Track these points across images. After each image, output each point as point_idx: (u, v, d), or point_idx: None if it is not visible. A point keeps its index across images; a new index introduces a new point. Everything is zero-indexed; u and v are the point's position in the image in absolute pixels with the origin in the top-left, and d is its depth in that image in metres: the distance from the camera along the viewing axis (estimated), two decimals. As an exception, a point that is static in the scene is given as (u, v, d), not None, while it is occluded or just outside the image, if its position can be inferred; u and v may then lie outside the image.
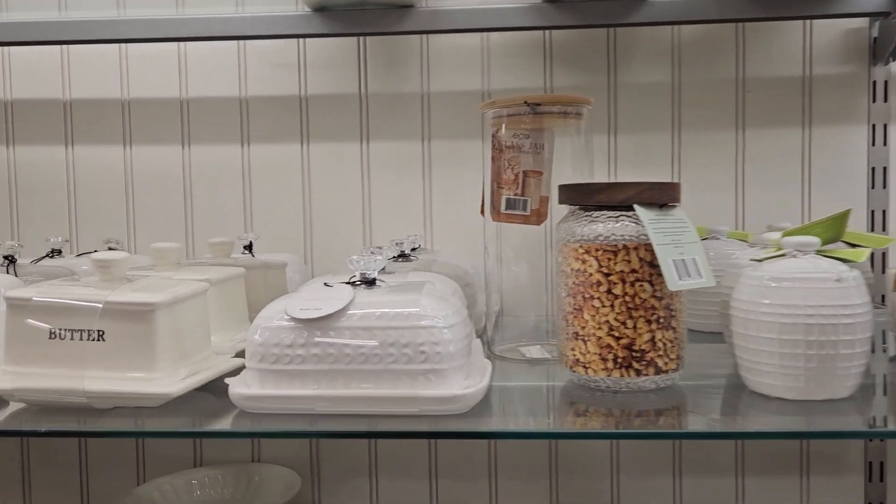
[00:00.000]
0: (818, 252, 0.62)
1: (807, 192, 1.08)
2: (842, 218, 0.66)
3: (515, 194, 0.85)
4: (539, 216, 0.85)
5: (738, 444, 1.10)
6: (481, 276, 1.10)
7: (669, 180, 0.62)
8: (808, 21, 1.06)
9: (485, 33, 1.09)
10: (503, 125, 0.82)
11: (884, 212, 1.07)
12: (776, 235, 0.70)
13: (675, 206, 0.64)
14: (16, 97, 1.16)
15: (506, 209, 0.85)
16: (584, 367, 0.64)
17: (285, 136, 1.13)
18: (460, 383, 0.58)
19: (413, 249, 0.95)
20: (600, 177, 1.07)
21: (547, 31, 1.08)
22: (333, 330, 0.58)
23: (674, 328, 0.63)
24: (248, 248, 1.00)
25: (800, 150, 1.08)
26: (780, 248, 0.64)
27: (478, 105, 1.09)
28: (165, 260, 0.77)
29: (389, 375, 0.57)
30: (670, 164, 1.09)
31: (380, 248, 0.73)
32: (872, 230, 1.07)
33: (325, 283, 0.64)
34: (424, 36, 1.10)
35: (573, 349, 0.64)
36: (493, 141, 0.84)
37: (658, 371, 0.63)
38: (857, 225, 1.06)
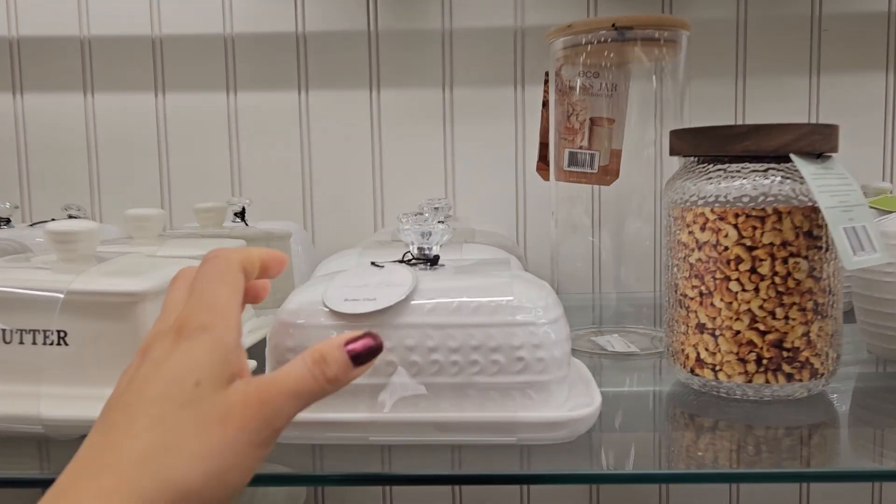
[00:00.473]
0: None
1: (890, 146, 0.93)
2: None
3: (581, 147, 0.68)
4: (608, 174, 0.69)
5: None
6: (520, 248, 0.94)
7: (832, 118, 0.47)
8: (898, -54, 0.91)
9: (520, -43, 0.92)
10: (572, 59, 0.65)
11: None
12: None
13: (831, 157, 0.49)
14: (-51, 33, 0.96)
15: (569, 165, 0.69)
16: (713, 369, 0.48)
17: (279, 82, 0.95)
18: (565, 401, 0.42)
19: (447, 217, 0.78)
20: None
21: (593, -44, 0.91)
22: (393, 329, 0.41)
23: (834, 318, 0.48)
24: (241, 214, 0.83)
25: (882, 100, 0.93)
26: None
27: (517, 57, 0.92)
28: (145, 231, 0.60)
29: (474, 392, 0.41)
30: (733, 115, 0.93)
31: (420, 213, 0.56)
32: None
33: (374, 263, 0.47)
34: (448, -41, 0.92)
35: (696, 345, 0.49)
36: (556, 79, 0.67)
37: (814, 374, 0.47)
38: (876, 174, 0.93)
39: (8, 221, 0.84)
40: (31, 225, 0.86)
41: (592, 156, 0.69)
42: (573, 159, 0.69)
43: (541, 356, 0.41)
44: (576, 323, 0.69)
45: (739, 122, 0.93)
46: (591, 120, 0.68)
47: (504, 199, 0.95)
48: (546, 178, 0.71)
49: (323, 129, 0.95)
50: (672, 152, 0.52)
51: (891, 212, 0.71)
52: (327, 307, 0.42)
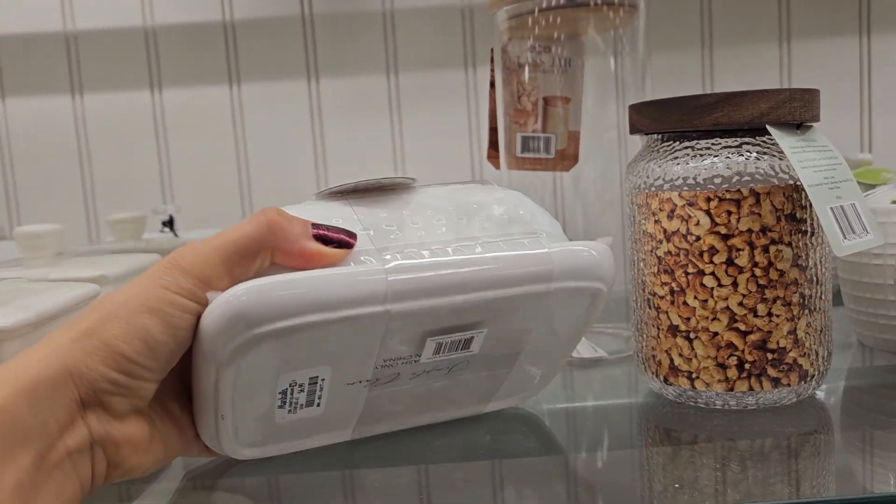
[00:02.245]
0: None
1: (867, 115, 0.88)
2: None
3: (534, 130, 0.62)
4: (566, 158, 0.62)
5: None
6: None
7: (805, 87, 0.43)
8: None
9: (462, -72, 0.84)
10: (519, 32, 0.58)
11: (955, 136, 0.88)
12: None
13: (813, 128, 0.42)
14: None
15: (522, 151, 0.62)
16: (690, 377, 0.42)
17: (208, 76, 0.87)
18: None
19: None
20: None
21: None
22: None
23: (823, 311, 0.42)
24: (169, 223, 0.75)
25: (857, 66, 0.87)
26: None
27: (466, 36, 0.86)
28: (39, 250, 0.52)
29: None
30: (700, 88, 0.87)
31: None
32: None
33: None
34: (384, -67, 0.85)
35: (669, 351, 0.43)
36: (502, 57, 0.60)
37: (803, 377, 0.41)
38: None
39: None
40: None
41: (548, 139, 0.62)
42: (526, 144, 0.62)
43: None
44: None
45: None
46: (545, 100, 0.62)
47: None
48: (497, 166, 0.64)
49: (259, 124, 0.88)
50: (632, 130, 0.45)
51: (874, 185, 0.66)
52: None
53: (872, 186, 0.65)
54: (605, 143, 0.63)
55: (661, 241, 0.42)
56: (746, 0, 0.86)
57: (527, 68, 0.61)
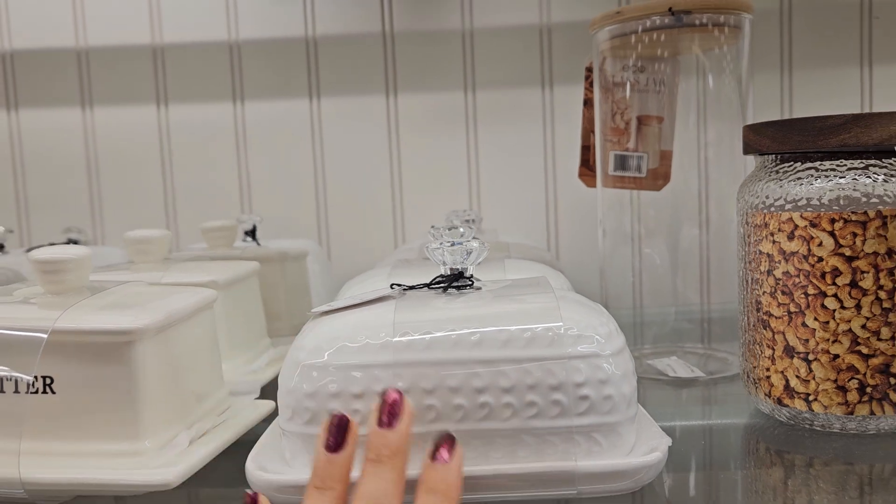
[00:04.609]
0: None
1: None
2: None
3: (627, 149, 0.62)
4: (659, 178, 0.62)
5: None
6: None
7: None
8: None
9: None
10: (618, 51, 0.58)
11: None
12: None
13: (938, 150, 0.42)
14: (-61, 48, 0.90)
15: (615, 169, 0.62)
16: (807, 399, 0.41)
17: (289, 89, 0.89)
18: (634, 444, 0.36)
19: (478, 231, 0.72)
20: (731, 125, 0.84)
21: (624, -55, 0.85)
22: (433, 367, 0.35)
23: (947, 337, 0.41)
24: (251, 233, 0.77)
25: (858, 89, 0.86)
26: None
27: (543, 56, 0.86)
28: (148, 254, 0.54)
29: (531, 438, 0.35)
30: (779, 109, 0.86)
31: (453, 227, 0.50)
32: None
33: (396, 284, 0.41)
34: (468, -47, 0.86)
35: (784, 372, 0.42)
36: (599, 75, 0.60)
37: (926, 405, 0.40)
38: None
39: (1, 247, 0.78)
40: (27, 250, 0.80)
41: (640, 158, 0.62)
42: (620, 163, 0.62)
43: (609, 393, 0.35)
44: (629, 344, 0.62)
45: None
46: (639, 119, 0.62)
47: (534, 210, 0.88)
48: (590, 184, 0.64)
49: (337, 138, 0.89)
50: (747, 150, 0.45)
51: None
52: (354, 342, 0.35)
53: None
54: (698, 162, 0.63)
55: (779, 262, 0.42)
56: (827, 24, 0.86)
57: (623, 87, 0.61)
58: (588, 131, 0.64)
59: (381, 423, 0.32)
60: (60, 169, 0.91)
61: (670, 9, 0.52)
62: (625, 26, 0.55)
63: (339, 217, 0.90)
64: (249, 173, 0.90)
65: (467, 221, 0.65)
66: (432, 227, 0.65)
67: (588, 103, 0.63)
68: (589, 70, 0.64)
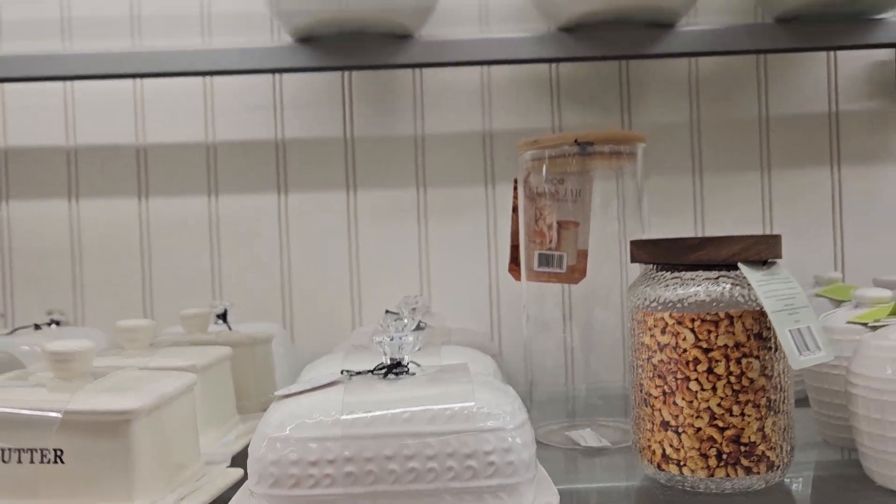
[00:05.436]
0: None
1: (839, 235, 0.99)
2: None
3: (549, 249, 0.73)
4: (576, 272, 0.73)
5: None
6: (495, 343, 0.97)
7: (769, 232, 0.52)
8: (832, 53, 0.99)
9: (485, 67, 0.98)
10: (539, 168, 0.70)
11: (920, 256, 0.99)
12: (876, 292, 0.60)
13: (776, 263, 0.53)
14: (-62, 145, 1.00)
15: (539, 266, 0.73)
16: (678, 464, 0.51)
17: (259, 186, 0.99)
18: (533, 500, 0.45)
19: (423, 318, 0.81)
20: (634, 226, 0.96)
21: (553, 66, 0.98)
22: (373, 440, 0.44)
23: (786, 412, 0.52)
24: (223, 316, 0.85)
25: (828, 193, 0.99)
26: (892, 311, 0.53)
27: (486, 159, 0.98)
28: (136, 342, 0.62)
29: (450, 497, 0.44)
30: (692, 209, 0.99)
31: (399, 317, 0.60)
32: (910, 276, 0.98)
33: (346, 371, 0.50)
34: (417, 71, 0.98)
35: (661, 442, 0.52)
36: (524, 186, 0.72)
37: (770, 467, 0.51)
38: (890, 271, 0.98)
39: (-8, 329, 0.86)
40: (10, 332, 0.87)
41: (561, 256, 0.73)
42: (543, 260, 0.73)
43: (511, 460, 0.44)
44: (550, 417, 0.72)
45: (698, 216, 0.99)
46: (558, 223, 0.73)
47: (478, 295, 0.99)
48: (518, 278, 0.75)
49: (302, 229, 0.99)
50: (633, 260, 0.56)
51: (842, 301, 0.76)
52: (311, 419, 0.44)
53: (839, 302, 0.76)
54: (609, 257, 0.74)
55: (655, 352, 0.52)
56: (732, 135, 0.99)
57: (544, 197, 0.72)
58: (516, 233, 0.75)
59: None
60: (47, 255, 0.99)
61: (576, 140, 0.64)
62: (541, 152, 0.67)
63: (303, 301, 0.99)
64: (221, 261, 0.99)
65: (414, 309, 0.75)
66: (385, 313, 0.75)
67: (516, 210, 0.74)
68: (516, 181, 0.75)
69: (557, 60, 0.93)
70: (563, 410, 0.73)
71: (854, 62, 0.99)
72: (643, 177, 0.69)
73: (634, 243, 0.55)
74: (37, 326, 0.91)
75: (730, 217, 0.99)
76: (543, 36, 0.89)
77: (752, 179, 0.99)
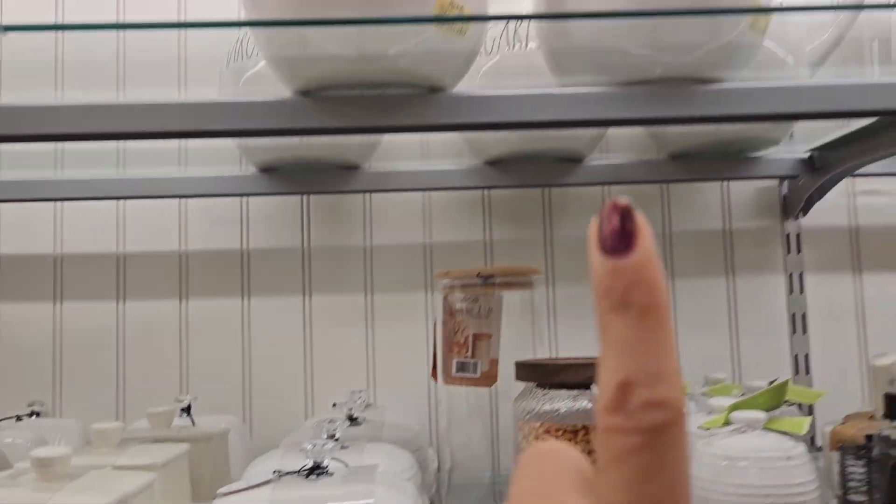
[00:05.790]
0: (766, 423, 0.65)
1: (735, 338, 1.13)
2: (781, 388, 0.69)
3: (466, 357, 0.86)
4: (489, 378, 0.86)
5: None
6: (429, 432, 1.09)
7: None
8: (725, 181, 1.14)
9: (426, 192, 1.13)
10: (455, 291, 0.83)
11: (806, 355, 1.12)
12: (721, 402, 0.73)
13: (628, 382, 0.66)
14: (-62, 253, 1.12)
15: (457, 372, 0.86)
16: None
17: (226, 290, 1.12)
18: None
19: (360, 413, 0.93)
20: (543, 333, 1.09)
21: (484, 191, 1.13)
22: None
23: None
24: (187, 410, 0.96)
25: (725, 299, 1.13)
26: (727, 421, 0.66)
27: (420, 272, 1.12)
28: (106, 440, 0.74)
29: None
30: (607, 314, 1.12)
31: (332, 421, 0.72)
32: (797, 373, 1.12)
33: (277, 471, 0.62)
34: (368, 194, 1.13)
35: (536, 530, 0.64)
36: (443, 304, 0.85)
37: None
38: (782, 369, 1.11)
39: (-20, 423, 0.96)
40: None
41: (475, 364, 0.86)
42: (460, 367, 0.86)
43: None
44: (463, 498, 0.84)
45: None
46: (474, 335, 0.86)
47: (418, 390, 1.11)
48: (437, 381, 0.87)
49: (262, 329, 1.12)
50: (516, 378, 0.69)
51: (726, 398, 0.89)
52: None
53: (725, 398, 0.88)
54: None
55: (530, 455, 0.65)
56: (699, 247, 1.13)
57: (462, 313, 0.85)
58: (436, 344, 0.88)
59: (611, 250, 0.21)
60: (30, 351, 1.11)
61: (478, 274, 0.77)
62: (454, 281, 0.80)
63: (262, 394, 1.11)
64: (189, 358, 1.11)
65: (350, 409, 0.87)
66: (332, 406, 0.87)
67: (436, 324, 0.88)
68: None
69: (486, 188, 1.08)
70: (479, 496, 0.85)
71: (743, 187, 1.15)
72: (539, 301, 0.82)
73: (517, 364, 0.68)
74: (18, 417, 1.01)
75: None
76: (473, 169, 1.04)
77: (718, 283, 1.13)
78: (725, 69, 0.69)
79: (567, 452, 0.24)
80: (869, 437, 0.68)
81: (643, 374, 0.20)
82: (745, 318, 1.13)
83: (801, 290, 1.14)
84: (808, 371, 1.13)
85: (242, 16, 0.69)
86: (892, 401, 0.63)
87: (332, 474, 0.62)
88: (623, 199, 0.21)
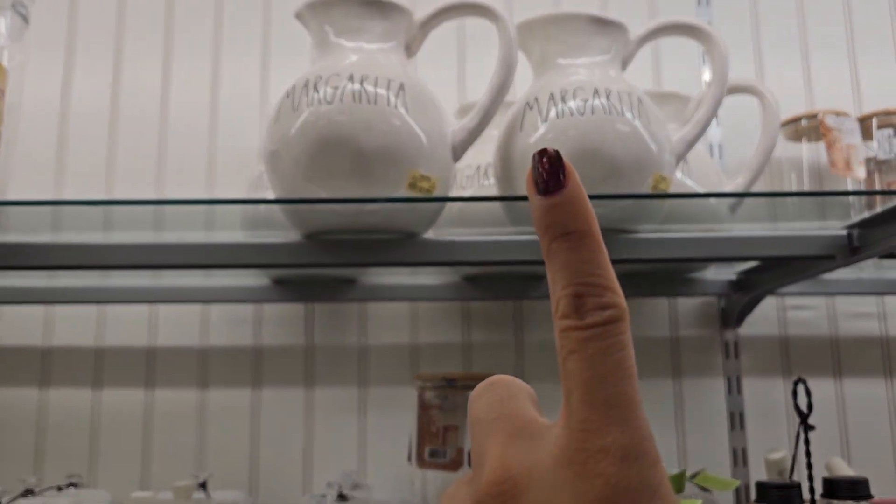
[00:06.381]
0: None
1: (679, 433, 1.30)
2: (680, 476, 0.87)
3: (437, 445, 1.03)
4: (456, 464, 1.03)
5: None
6: (409, 511, 1.25)
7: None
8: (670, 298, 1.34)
9: (413, 302, 1.32)
10: (429, 390, 1.02)
11: (743, 449, 1.29)
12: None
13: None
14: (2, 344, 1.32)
15: (429, 458, 1.03)
16: None
17: (239, 382, 1.31)
18: None
19: (349, 490, 1.10)
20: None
21: (464, 301, 1.33)
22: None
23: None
24: (203, 485, 1.14)
25: (671, 399, 1.31)
26: None
27: (407, 369, 1.31)
28: (140, 508, 0.91)
29: None
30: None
31: (324, 496, 0.89)
32: (735, 465, 1.28)
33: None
34: (363, 303, 1.33)
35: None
36: (419, 401, 1.03)
37: None
38: (721, 462, 1.27)
39: (32, 492, 1.14)
40: (39, 492, 1.15)
41: (445, 451, 1.03)
42: (433, 453, 1.03)
43: None
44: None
45: (572, 414, 1.29)
46: (445, 427, 1.04)
47: (404, 469, 1.27)
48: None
49: (270, 416, 1.30)
50: (468, 465, 0.86)
51: (706, 489, 1.04)
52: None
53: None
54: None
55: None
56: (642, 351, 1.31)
57: (435, 408, 1.04)
58: (418, 432, 1.06)
59: (547, 190, 0.25)
60: (69, 431, 1.29)
61: (443, 378, 0.96)
62: (425, 383, 0.99)
63: (267, 471, 1.28)
64: (206, 439, 1.29)
65: (340, 487, 1.04)
66: (326, 484, 1.04)
67: (415, 417, 1.06)
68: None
69: (465, 300, 1.27)
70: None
71: (687, 301, 1.34)
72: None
73: (468, 452, 0.86)
74: (59, 488, 1.19)
75: (597, 416, 1.29)
76: (453, 284, 1.24)
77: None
78: (636, 223, 0.89)
79: (515, 381, 0.30)
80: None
81: (591, 286, 0.25)
82: (689, 415, 1.30)
83: (739, 391, 1.31)
84: (745, 463, 1.29)
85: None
86: (762, 488, 0.80)
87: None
88: (551, 148, 0.25)
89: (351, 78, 0.83)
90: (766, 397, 1.32)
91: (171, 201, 1.17)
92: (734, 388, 1.31)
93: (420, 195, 0.82)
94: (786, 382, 1.32)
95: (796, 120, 1.24)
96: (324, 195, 0.83)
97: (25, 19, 0.92)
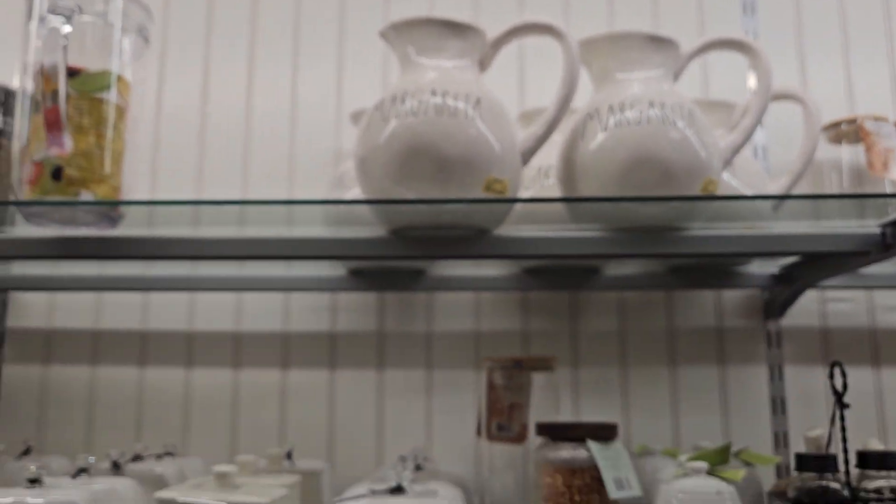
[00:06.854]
0: (713, 472, 0.92)
1: (724, 417, 1.39)
2: (725, 448, 0.96)
3: (503, 421, 1.15)
4: (521, 438, 1.15)
5: None
6: (474, 480, 1.37)
7: (613, 422, 0.93)
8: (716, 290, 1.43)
9: (477, 292, 1.44)
10: (497, 370, 1.13)
11: (785, 433, 1.37)
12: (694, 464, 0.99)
13: (614, 440, 0.94)
14: (102, 327, 1.46)
15: (497, 431, 1.15)
16: (555, 554, 0.90)
17: (317, 363, 1.43)
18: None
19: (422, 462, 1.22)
20: (567, 404, 1.37)
21: (524, 292, 1.43)
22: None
23: (616, 525, 0.91)
24: (289, 455, 1.27)
25: (717, 385, 1.40)
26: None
27: (470, 354, 1.42)
28: (246, 470, 1.04)
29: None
30: (619, 393, 1.40)
31: (403, 461, 1.01)
32: (777, 448, 1.37)
33: (372, 489, 0.91)
34: (430, 293, 1.44)
35: (547, 541, 0.91)
36: (487, 381, 1.15)
37: (606, 558, 0.90)
38: (764, 444, 1.36)
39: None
40: (143, 459, 1.29)
41: (511, 426, 1.15)
42: (500, 427, 1.15)
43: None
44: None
45: (623, 399, 1.40)
46: (511, 405, 1.15)
47: (465, 447, 1.39)
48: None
49: (345, 395, 1.42)
50: (536, 434, 0.97)
51: (749, 464, 1.13)
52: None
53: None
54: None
55: (543, 487, 0.92)
56: (647, 341, 1.41)
57: (502, 388, 1.15)
58: (487, 410, 1.17)
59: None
60: (165, 405, 1.43)
61: (513, 360, 1.07)
62: (495, 364, 1.10)
63: (344, 445, 1.41)
64: (288, 415, 1.42)
65: (415, 458, 1.16)
66: (398, 458, 1.16)
67: (482, 395, 1.17)
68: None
69: (525, 290, 1.38)
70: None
71: (733, 293, 1.43)
72: (559, 380, 1.11)
73: (537, 424, 0.97)
74: (158, 456, 1.33)
75: (646, 400, 1.39)
76: (513, 275, 1.35)
77: (661, 374, 1.41)
78: (687, 221, 0.99)
79: None
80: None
81: None
82: (734, 400, 1.39)
83: (781, 378, 1.40)
84: (786, 445, 1.37)
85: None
86: (800, 458, 0.90)
87: (407, 493, 0.91)
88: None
89: (433, 92, 0.94)
90: (807, 384, 1.40)
91: (298, 201, 1.28)
92: (776, 375, 1.40)
93: (494, 196, 0.93)
94: (825, 370, 1.40)
95: (837, 124, 1.32)
96: (409, 196, 0.94)
97: (147, 40, 1.05)
